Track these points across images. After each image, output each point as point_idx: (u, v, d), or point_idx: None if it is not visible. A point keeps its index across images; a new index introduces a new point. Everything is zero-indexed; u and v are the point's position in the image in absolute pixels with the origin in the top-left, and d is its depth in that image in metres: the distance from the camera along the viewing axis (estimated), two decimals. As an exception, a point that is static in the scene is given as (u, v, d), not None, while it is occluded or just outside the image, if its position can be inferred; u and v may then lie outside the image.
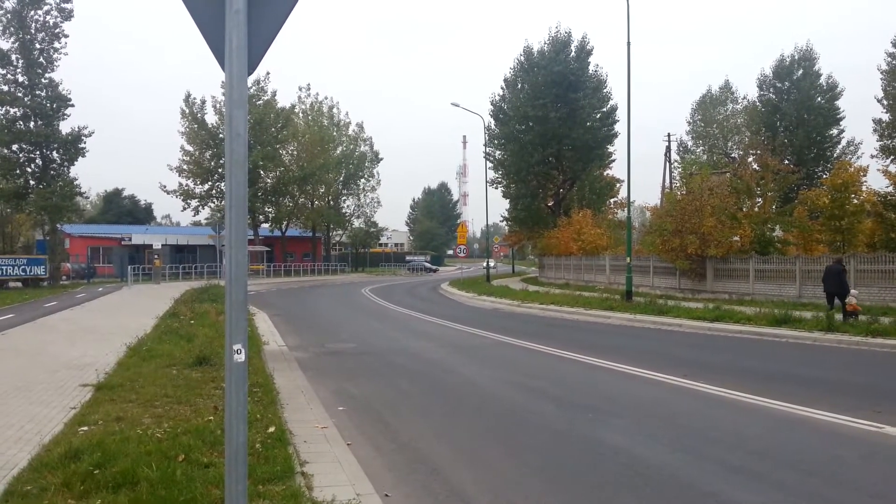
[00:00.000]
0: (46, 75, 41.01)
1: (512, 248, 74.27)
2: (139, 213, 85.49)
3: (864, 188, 26.80)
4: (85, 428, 7.18)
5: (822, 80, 50.29)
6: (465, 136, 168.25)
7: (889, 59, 46.11)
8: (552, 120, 46.21)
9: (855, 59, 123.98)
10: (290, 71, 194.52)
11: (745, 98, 60.50)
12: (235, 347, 3.35)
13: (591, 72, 48.82)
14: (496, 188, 54.72)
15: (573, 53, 48.06)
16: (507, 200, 54.79)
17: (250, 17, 3.46)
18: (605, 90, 49.15)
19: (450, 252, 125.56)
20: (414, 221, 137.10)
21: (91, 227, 68.08)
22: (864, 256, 22.74)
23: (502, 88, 51.31)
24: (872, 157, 46.67)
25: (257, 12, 3.50)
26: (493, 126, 51.77)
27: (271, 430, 7.02)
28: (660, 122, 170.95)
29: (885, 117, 46.00)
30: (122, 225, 72.63)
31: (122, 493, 5.17)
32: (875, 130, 46.39)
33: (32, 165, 42.26)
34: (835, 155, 49.03)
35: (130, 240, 59.63)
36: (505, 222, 62.74)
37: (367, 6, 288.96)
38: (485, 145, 52.14)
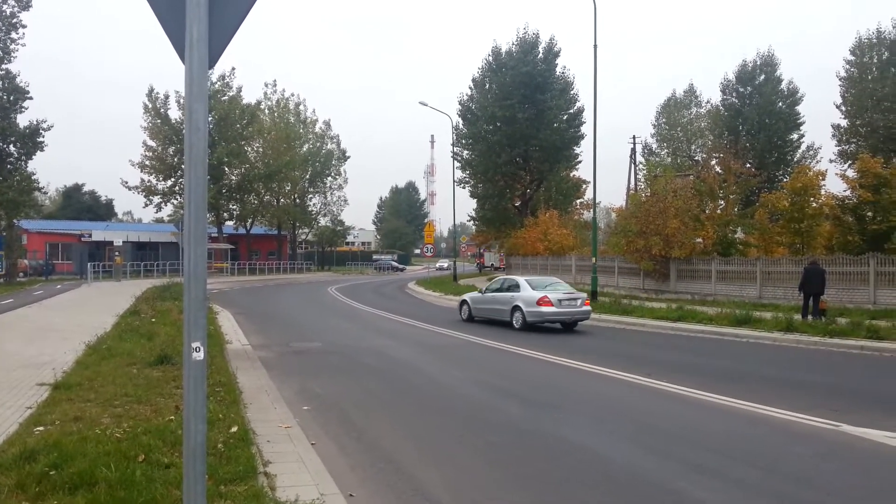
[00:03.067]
0: (3, 66, 39.92)
1: (479, 247, 74.48)
2: (99, 210, 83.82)
3: (822, 192, 27.40)
4: (41, 428, 6.99)
5: (783, 85, 51.48)
6: (433, 136, 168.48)
7: (847, 66, 47.35)
8: (520, 120, 46.51)
9: (814, 66, 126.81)
10: (255, 62, 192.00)
11: (708, 102, 61.71)
12: (194, 345, 3.29)
13: (558, 73, 49.25)
14: (464, 188, 54.91)
15: (541, 55, 48.43)
16: (475, 200, 54.98)
17: (211, 8, 3.40)
18: (572, 92, 49.62)
19: (417, 251, 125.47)
20: (381, 220, 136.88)
21: (50, 223, 66.59)
22: (823, 259, 23.25)
23: (470, 88, 51.46)
24: (831, 161, 47.88)
25: (219, 3, 3.44)
26: (461, 126, 51.89)
27: (234, 429, 6.93)
28: (626, 125, 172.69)
29: (844, 123, 47.21)
30: (81, 221, 71.14)
31: (80, 495, 5.04)
32: (833, 136, 47.63)
33: (-12, 159, 41.14)
34: (795, 159, 50.19)
35: (90, 236, 58.39)
36: (472, 222, 62.94)
37: (335, 2, 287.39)
38: (453, 145, 52.30)
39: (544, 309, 19.07)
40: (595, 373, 12.01)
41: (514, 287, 20.44)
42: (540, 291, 19.54)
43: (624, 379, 11.31)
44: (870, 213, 25.35)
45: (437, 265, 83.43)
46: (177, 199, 56.52)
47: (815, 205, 27.11)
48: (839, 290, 21.77)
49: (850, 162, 41.22)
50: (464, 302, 22.62)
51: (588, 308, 19.99)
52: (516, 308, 19.70)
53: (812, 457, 6.90)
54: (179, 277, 39.04)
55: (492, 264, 74.79)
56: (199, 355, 3.31)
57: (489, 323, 20.83)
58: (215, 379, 9.49)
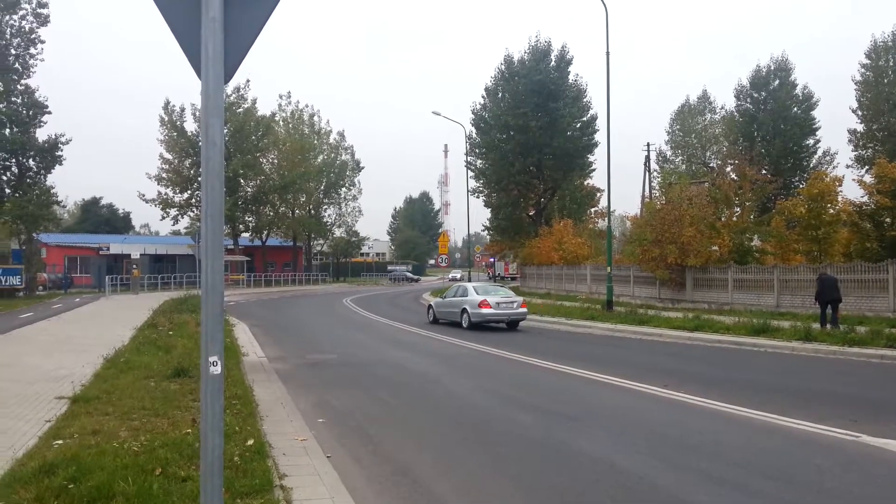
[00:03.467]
0: (22, 81, 40.51)
1: (493, 257, 74.53)
2: (117, 223, 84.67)
3: (839, 198, 27.17)
4: (60, 441, 7.05)
5: (798, 90, 51.14)
6: (446, 145, 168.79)
7: (863, 70, 47.04)
8: (532, 129, 46.52)
9: (830, 71, 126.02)
10: (269, 75, 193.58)
11: (722, 108, 61.46)
12: (211, 359, 3.31)
13: (570, 81, 49.29)
14: (478, 197, 54.98)
15: (553, 63, 48.49)
16: (489, 210, 55.01)
17: (227, 25, 3.44)
18: (584, 99, 49.64)
19: (431, 262, 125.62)
20: (395, 231, 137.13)
21: (68, 237, 67.30)
22: (841, 266, 23.04)
23: (483, 97, 51.63)
24: (848, 167, 47.54)
25: (234, 19, 3.48)
26: (474, 135, 52.02)
27: (250, 442, 6.95)
28: (640, 132, 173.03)
29: (860, 128, 46.85)
30: (99, 234, 71.86)
31: (97, 508, 5.09)
32: (850, 141, 47.27)
33: (8, 173, 41.63)
34: (811, 165, 49.79)
35: (108, 249, 58.97)
36: (486, 231, 62.94)
37: (349, 14, 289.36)
38: (466, 154, 52.47)
39: (484, 310, 22.55)
40: (611, 383, 11.94)
41: (464, 293, 24.07)
42: (482, 296, 23.10)
43: (641, 390, 11.24)
44: (888, 220, 25.13)
45: (450, 276, 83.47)
46: (193, 212, 56.99)
47: (832, 211, 26.89)
48: (857, 297, 21.54)
49: (867, 167, 40.88)
50: (430, 307, 26.58)
51: (524, 310, 23.40)
52: (464, 310, 23.17)
53: (832, 468, 6.81)
54: (196, 289, 39.37)
55: (498, 274, 75.56)
56: (217, 369, 3.34)
57: (499, 331, 20.87)
58: (232, 392, 9.54)
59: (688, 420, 9.08)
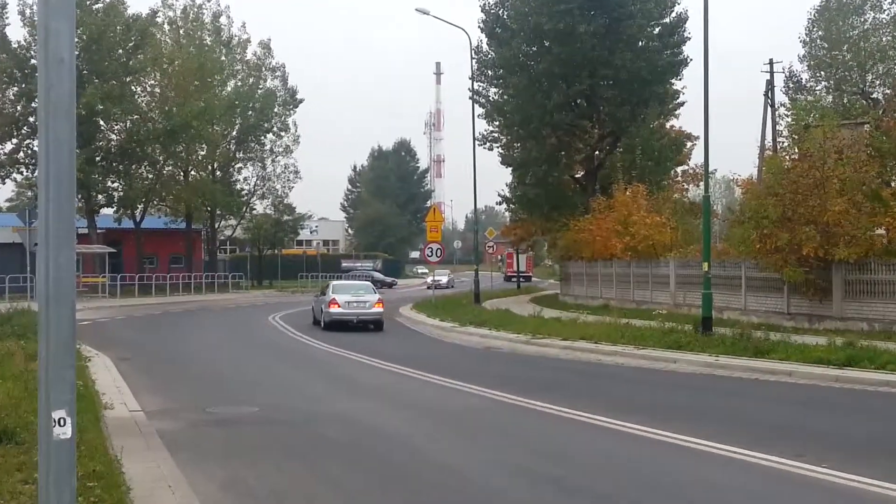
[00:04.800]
0: None
1: (516, 248, 74.50)
2: None
3: None
4: None
5: None
6: (438, 65, 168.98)
7: None
8: (581, 37, 46.25)
9: None
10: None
11: (894, 2, 61.20)
12: (56, 416, 3.31)
13: (643, -40, 49.14)
14: (490, 149, 54.78)
15: (616, -72, 48.34)
16: (510, 169, 54.84)
17: None
18: (666, -10, 49.47)
19: (415, 253, 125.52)
20: (355, 204, 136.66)
21: None
22: None
23: (500, -13, 51.40)
24: None
25: None
26: (484, 48, 51.79)
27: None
28: (757, 46, 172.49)
29: None
30: None
31: None
32: None
33: None
34: None
35: None
36: (505, 205, 62.88)
37: None
38: (472, 79, 52.08)
39: (332, 310, 33.31)
40: (710, 453, 11.96)
41: (327, 291, 34.97)
42: (334, 295, 33.70)
43: (758, 463, 11.25)
44: None
45: (430, 280, 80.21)
46: (21, 173, 56.90)
47: None
48: None
49: None
50: (312, 308, 39.07)
51: (378, 310, 34.14)
52: (321, 310, 34.13)
53: None
54: (28, 301, 39.25)
55: (505, 273, 77.51)
56: (66, 431, 3.33)
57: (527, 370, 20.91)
58: (87, 468, 9.53)
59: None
